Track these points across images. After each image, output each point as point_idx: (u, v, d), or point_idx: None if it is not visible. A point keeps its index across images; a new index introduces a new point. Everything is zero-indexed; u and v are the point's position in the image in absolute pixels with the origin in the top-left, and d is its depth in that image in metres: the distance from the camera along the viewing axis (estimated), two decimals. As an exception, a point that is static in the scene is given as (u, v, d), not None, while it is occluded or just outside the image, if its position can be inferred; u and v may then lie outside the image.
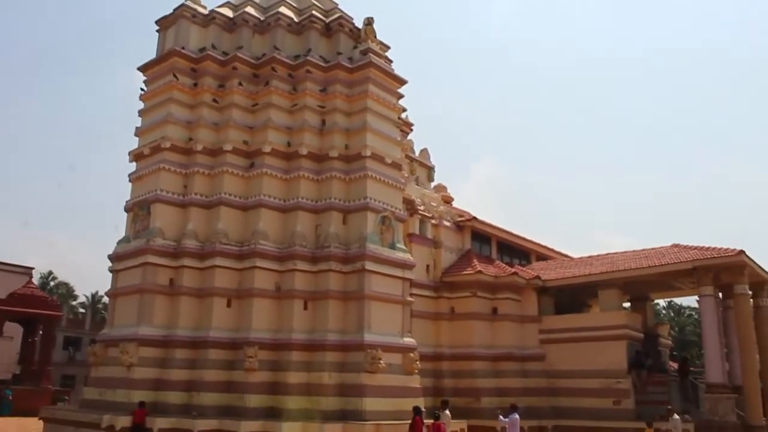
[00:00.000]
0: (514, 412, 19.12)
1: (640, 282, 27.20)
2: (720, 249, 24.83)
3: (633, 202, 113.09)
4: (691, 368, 28.78)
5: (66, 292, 74.68)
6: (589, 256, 30.22)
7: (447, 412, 17.73)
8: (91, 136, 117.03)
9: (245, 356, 19.61)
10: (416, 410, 17.52)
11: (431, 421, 16.99)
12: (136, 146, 23.38)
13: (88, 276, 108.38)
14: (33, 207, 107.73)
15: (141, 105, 23.84)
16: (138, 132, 23.58)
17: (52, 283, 73.58)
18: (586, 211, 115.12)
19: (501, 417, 18.97)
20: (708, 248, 25.31)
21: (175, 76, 22.57)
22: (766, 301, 27.76)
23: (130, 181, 23.32)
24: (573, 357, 25.68)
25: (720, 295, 25.86)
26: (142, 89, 23.99)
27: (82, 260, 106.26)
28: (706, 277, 24.49)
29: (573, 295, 28.61)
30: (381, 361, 19.64)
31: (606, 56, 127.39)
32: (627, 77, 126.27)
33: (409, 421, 17.10)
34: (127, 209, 22.95)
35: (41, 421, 22.26)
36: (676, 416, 20.30)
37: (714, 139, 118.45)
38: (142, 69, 23.95)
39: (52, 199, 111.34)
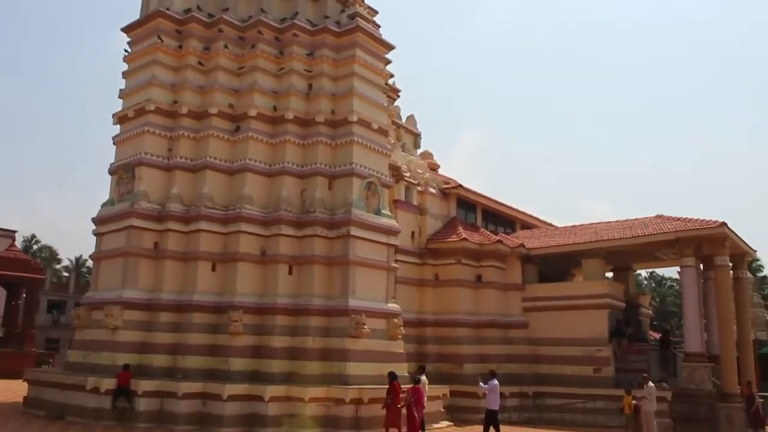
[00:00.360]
0: (493, 378, 19.33)
1: (623, 252, 27.46)
2: (702, 221, 25.08)
3: (618, 173, 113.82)
4: (672, 339, 29.21)
5: (49, 255, 74.40)
6: (573, 226, 30.41)
7: (423, 377, 17.90)
8: (76, 100, 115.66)
9: (230, 320, 19.68)
10: (392, 375, 17.75)
11: (410, 386, 17.18)
12: (120, 108, 23.16)
13: (72, 240, 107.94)
14: (16, 170, 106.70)
15: (125, 67, 23.55)
16: (122, 94, 23.33)
17: (35, 247, 73.26)
18: (571, 181, 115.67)
19: (481, 383, 19.19)
20: (691, 220, 25.56)
21: (159, 37, 22.28)
22: (745, 273, 28.20)
23: (114, 143, 23.15)
24: (555, 325, 25.95)
25: (701, 266, 26.17)
26: (126, 51, 23.69)
27: (65, 224, 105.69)
28: (688, 249, 24.75)
29: (557, 263, 28.85)
30: (365, 327, 19.78)
31: (595, 27, 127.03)
32: (615, 48, 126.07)
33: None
34: (111, 172, 22.80)
35: (25, 383, 22.29)
36: (651, 384, 20.66)
37: (701, 113, 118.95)
38: (126, 30, 23.62)
39: (34, 161, 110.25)
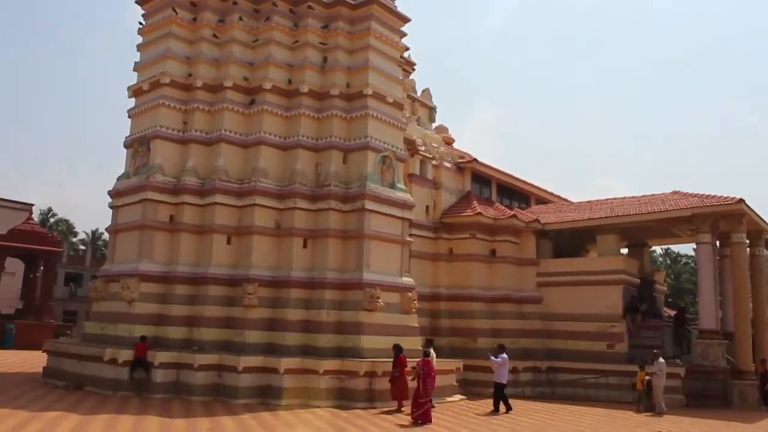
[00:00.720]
0: (503, 352, 19.43)
1: (638, 228, 27.25)
2: (720, 197, 24.80)
3: (635, 149, 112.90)
4: (688, 316, 29.07)
5: (66, 228, 74.93)
6: (589, 201, 30.18)
7: (432, 350, 17.88)
8: (91, 72, 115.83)
9: (245, 293, 19.74)
10: (398, 348, 17.84)
11: (420, 359, 17.20)
12: (135, 81, 23.12)
13: (88, 213, 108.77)
14: (33, 144, 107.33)
15: (140, 39, 23.47)
16: (137, 67, 23.26)
17: (51, 220, 73.79)
18: (588, 156, 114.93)
19: (492, 357, 19.27)
20: (708, 196, 25.28)
21: (174, 10, 22.15)
22: (762, 251, 27.99)
23: (129, 116, 23.13)
24: (569, 300, 25.89)
25: (717, 243, 25.98)
26: (140, 23, 23.59)
27: (81, 197, 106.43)
28: (705, 225, 24.52)
29: (571, 239, 28.69)
30: (379, 300, 19.79)
31: (612, 3, 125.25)
32: (630, 24, 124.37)
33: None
34: (126, 145, 22.84)
35: (44, 354, 22.56)
36: (661, 360, 20.61)
37: (716, 88, 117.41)
38: (141, 2, 23.49)
39: (51, 135, 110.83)
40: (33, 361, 25.95)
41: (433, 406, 16.92)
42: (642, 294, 27.04)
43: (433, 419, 16.23)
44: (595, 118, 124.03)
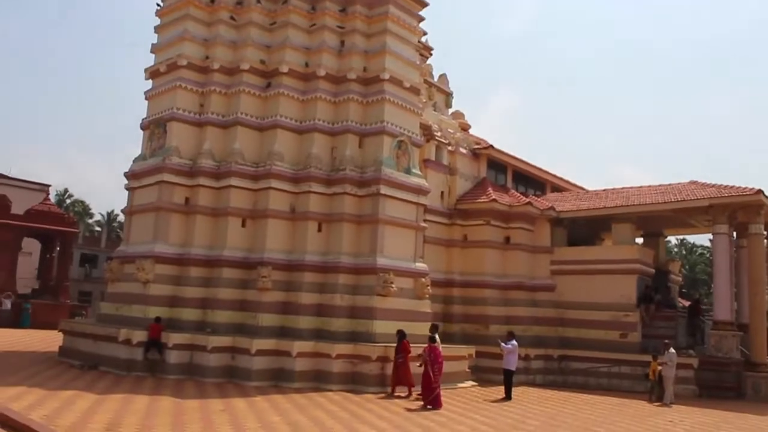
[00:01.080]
0: (513, 339, 19.40)
1: (654, 217, 27.04)
2: (738, 188, 24.53)
3: (654, 139, 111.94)
4: (703, 307, 28.84)
5: (82, 209, 75.43)
6: (605, 190, 29.95)
7: (436, 336, 17.84)
8: (109, 53, 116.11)
9: (259, 276, 19.78)
10: (401, 334, 17.84)
11: (426, 345, 17.19)
12: (152, 63, 23.14)
13: (104, 195, 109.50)
14: (49, 124, 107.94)
15: (158, 21, 23.45)
16: (154, 49, 23.28)
17: (68, 201, 74.29)
18: (605, 145, 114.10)
19: (502, 344, 19.26)
20: (726, 186, 25.01)
21: (192, -8, 22.09)
22: (779, 242, 27.64)
23: (146, 98, 23.18)
24: (583, 289, 25.77)
25: (734, 234, 25.73)
26: (158, 5, 23.55)
27: (97, 179, 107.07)
28: (722, 216, 24.29)
29: (586, 227, 28.52)
30: (393, 285, 19.77)
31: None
32: (650, 11, 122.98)
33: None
34: (143, 127, 22.90)
35: (60, 334, 22.77)
36: (672, 350, 20.47)
37: (736, 77, 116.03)
38: (159, -17, 23.47)
39: (68, 117, 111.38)
40: (49, 340, 26.21)
41: None
42: (656, 284, 26.89)
43: (444, 405, 16.24)
44: (615, 107, 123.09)
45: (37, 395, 13.79)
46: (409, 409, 15.48)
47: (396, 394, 17.44)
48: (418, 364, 17.18)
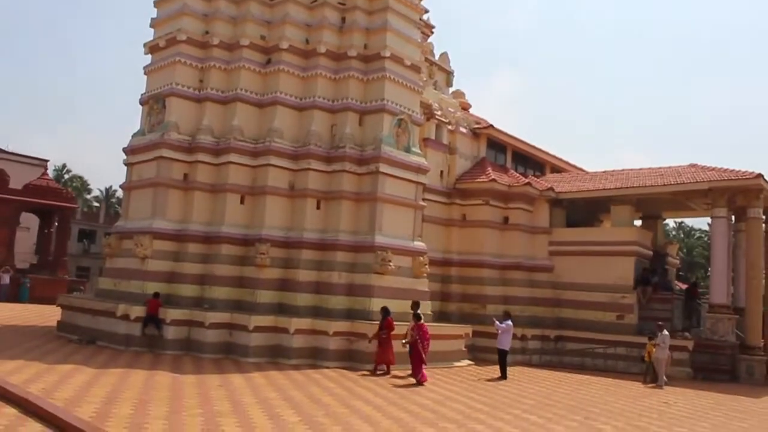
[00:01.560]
0: (508, 319, 19.46)
1: (653, 200, 27.03)
2: (738, 171, 24.50)
3: (654, 122, 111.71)
4: (700, 290, 28.91)
5: (80, 185, 75.33)
6: (604, 171, 29.91)
7: (420, 313, 17.84)
8: (107, 28, 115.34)
9: (257, 253, 19.78)
10: (385, 311, 17.84)
11: (413, 323, 17.21)
12: (151, 38, 22.95)
13: (102, 171, 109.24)
14: (46, 100, 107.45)
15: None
16: (153, 23, 23.08)
17: (66, 177, 74.15)
18: (606, 130, 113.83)
19: (497, 323, 19.33)
20: (726, 170, 24.97)
21: (192, -35, 21.86)
22: (778, 226, 27.65)
23: (145, 73, 23.02)
24: (580, 270, 25.82)
25: (733, 218, 25.72)
26: (157, -22, 23.31)
27: (96, 155, 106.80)
28: (721, 199, 24.28)
29: (585, 208, 28.51)
30: (390, 263, 19.78)
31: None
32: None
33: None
34: (142, 102, 22.77)
35: (58, 308, 22.80)
36: (665, 332, 20.51)
37: (737, 62, 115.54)
38: (158, -43, 23.20)
39: (66, 93, 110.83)
40: (47, 315, 26.25)
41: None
42: (654, 266, 26.92)
43: (440, 383, 16.35)
44: (616, 90, 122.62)
45: (36, 369, 13.82)
46: (401, 386, 15.55)
47: (378, 371, 17.47)
48: (404, 342, 17.18)
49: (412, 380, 16.44)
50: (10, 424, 9.25)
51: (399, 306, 18.85)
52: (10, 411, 10.03)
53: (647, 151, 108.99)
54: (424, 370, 16.60)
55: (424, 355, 16.72)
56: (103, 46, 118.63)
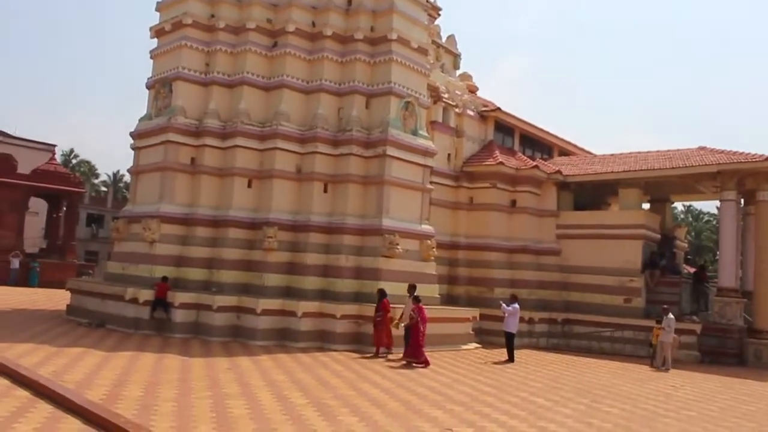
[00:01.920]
0: (515, 302, 19.49)
1: (662, 183, 26.87)
2: (747, 154, 24.29)
3: (665, 105, 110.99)
4: (708, 274, 28.82)
5: (88, 170, 75.55)
6: (612, 154, 29.74)
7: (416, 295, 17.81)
8: (113, 12, 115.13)
9: (265, 236, 19.83)
10: (382, 293, 17.87)
11: (413, 304, 17.18)
12: (157, 21, 22.90)
13: (109, 156, 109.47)
14: (55, 86, 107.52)
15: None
16: (159, 7, 23.05)
17: (74, 161, 74.36)
18: (616, 112, 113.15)
19: (504, 305, 19.35)
20: (735, 153, 24.80)
21: (197, -51, 21.74)
22: (787, 210, 27.45)
23: (151, 57, 23.00)
24: (588, 253, 25.78)
25: (742, 201, 25.58)
26: (163, -39, 23.20)
27: (102, 141, 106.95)
28: (730, 182, 24.12)
29: (593, 192, 28.43)
30: (398, 247, 19.82)
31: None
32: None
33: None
34: (148, 86, 22.78)
35: (68, 292, 22.95)
36: (670, 315, 20.48)
37: (750, 43, 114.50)
38: (163, -60, 23.09)
39: (73, 78, 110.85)
40: (56, 299, 26.43)
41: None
42: (662, 250, 26.83)
43: (448, 366, 16.42)
44: (626, 73, 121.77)
45: (46, 352, 13.94)
46: (408, 369, 15.61)
47: (381, 354, 17.48)
48: (403, 324, 17.15)
49: (413, 364, 16.31)
50: (22, 405, 9.35)
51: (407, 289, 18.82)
52: (22, 393, 10.13)
53: (656, 133, 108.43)
54: (425, 353, 16.62)
55: (421, 336, 16.74)
56: (110, 30, 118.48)
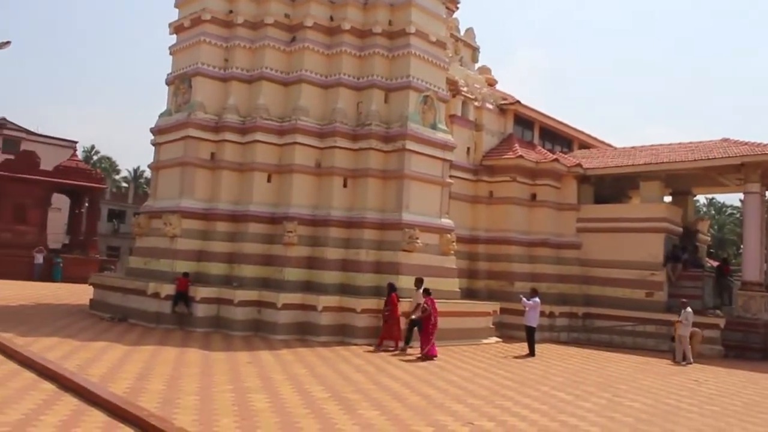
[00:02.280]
0: (536, 296, 19.42)
1: (684, 175, 26.62)
2: (771, 146, 24.01)
3: (687, 97, 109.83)
4: (731, 268, 28.52)
5: (109, 166, 76.24)
6: (633, 147, 29.45)
7: (421, 290, 17.75)
8: (132, 8, 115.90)
9: (284, 231, 19.89)
10: (391, 287, 17.97)
11: (425, 297, 17.16)
12: (176, 17, 23.03)
13: (130, 152, 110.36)
14: (75, 83, 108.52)
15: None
16: (178, 3, 23.18)
17: (95, 157, 75.07)
18: (637, 105, 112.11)
19: (524, 299, 19.30)
20: (759, 144, 24.45)
21: (215, -56, 21.83)
22: (813, 202, 27.11)
23: (170, 53, 23.13)
24: (609, 247, 25.61)
25: (766, 194, 25.28)
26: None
27: (123, 137, 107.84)
28: (754, 174, 23.84)
29: (614, 185, 28.23)
30: (418, 241, 19.81)
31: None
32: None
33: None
34: (168, 82, 22.91)
35: (90, 287, 23.21)
36: (689, 309, 20.30)
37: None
38: (182, -63, 23.19)
39: (94, 74, 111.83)
40: (80, 294, 26.74)
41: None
42: (684, 243, 26.60)
43: (468, 360, 16.45)
44: (647, 64, 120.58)
45: (71, 346, 14.13)
46: (435, 364, 15.63)
47: (389, 348, 17.49)
48: (414, 317, 17.14)
49: (423, 356, 16.39)
50: (48, 398, 9.50)
51: (427, 283, 18.57)
52: (48, 386, 10.29)
53: (679, 126, 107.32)
54: (434, 344, 16.63)
55: (433, 330, 16.76)
56: (129, 25, 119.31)
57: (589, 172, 26.90)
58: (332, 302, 18.50)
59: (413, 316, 17.24)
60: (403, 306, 17.74)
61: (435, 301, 17.22)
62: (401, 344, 17.49)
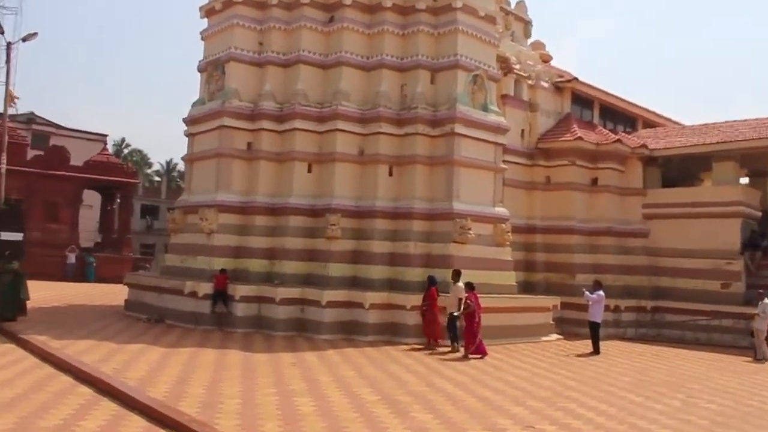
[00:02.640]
0: (600, 289, 19.17)
1: (762, 154, 25.90)
2: None
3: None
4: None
5: (140, 159, 77.47)
6: (705, 124, 28.80)
7: (460, 284, 17.54)
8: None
9: (327, 224, 19.98)
10: (432, 280, 17.87)
11: (468, 292, 17.01)
12: (207, 1, 23.25)
13: (162, 144, 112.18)
14: (106, 74, 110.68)
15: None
16: (208, -15, 23.38)
17: (125, 151, 76.39)
18: (722, 83, 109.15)
19: (587, 293, 19.06)
20: None
21: None
22: None
23: (202, 38, 23.38)
24: (679, 234, 25.17)
25: None
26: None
27: (154, 128, 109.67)
28: None
29: (683, 166, 27.66)
30: (470, 232, 19.71)
31: None
32: None
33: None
34: (200, 69, 23.17)
35: (125, 287, 23.70)
36: (766, 300, 19.78)
37: None
38: None
39: (124, 65, 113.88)
40: (114, 294, 27.30)
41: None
42: (763, 229, 25.96)
43: (527, 359, 16.38)
44: (729, 35, 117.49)
45: (107, 349, 14.46)
46: (491, 364, 15.57)
47: (432, 345, 17.49)
48: (456, 313, 16.90)
49: (468, 355, 16.35)
50: (86, 403, 9.75)
51: (481, 277, 18.62)
52: (85, 390, 10.57)
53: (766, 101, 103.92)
54: (482, 342, 16.57)
55: (477, 326, 16.69)
56: (160, 11, 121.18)
57: (655, 153, 26.44)
58: (380, 299, 18.54)
59: (455, 313, 17.01)
60: (442, 301, 17.62)
61: (479, 296, 17.11)
62: (443, 342, 17.47)
